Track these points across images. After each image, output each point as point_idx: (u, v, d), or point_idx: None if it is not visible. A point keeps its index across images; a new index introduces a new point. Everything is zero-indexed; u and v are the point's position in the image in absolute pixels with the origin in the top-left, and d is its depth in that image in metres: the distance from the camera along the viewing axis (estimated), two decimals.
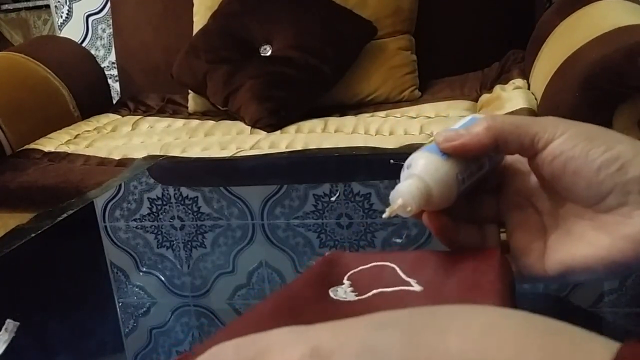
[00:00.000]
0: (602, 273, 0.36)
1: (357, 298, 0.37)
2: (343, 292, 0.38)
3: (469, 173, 0.38)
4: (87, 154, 1.55)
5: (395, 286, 0.38)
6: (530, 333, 0.24)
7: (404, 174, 0.37)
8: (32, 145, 1.61)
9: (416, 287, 0.37)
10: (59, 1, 2.22)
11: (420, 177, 0.36)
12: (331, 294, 0.38)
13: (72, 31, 2.21)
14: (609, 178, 0.34)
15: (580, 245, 0.37)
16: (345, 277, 0.40)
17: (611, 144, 0.34)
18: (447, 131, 0.37)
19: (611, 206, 0.35)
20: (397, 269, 0.40)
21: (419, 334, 0.25)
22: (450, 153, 0.37)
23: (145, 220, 0.71)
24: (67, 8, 2.21)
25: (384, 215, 0.36)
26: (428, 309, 0.27)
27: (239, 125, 1.61)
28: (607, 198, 0.35)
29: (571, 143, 0.35)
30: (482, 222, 0.41)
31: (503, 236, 0.40)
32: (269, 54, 1.67)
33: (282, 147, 1.42)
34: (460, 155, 0.37)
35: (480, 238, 0.41)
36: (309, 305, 0.37)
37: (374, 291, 0.38)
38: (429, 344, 0.24)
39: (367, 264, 0.41)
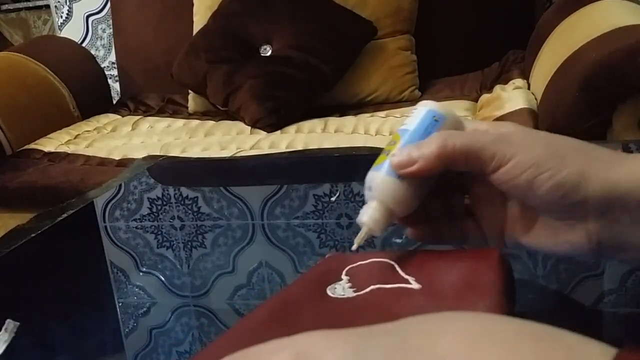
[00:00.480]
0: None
1: (355, 294, 0.37)
2: (341, 288, 0.39)
3: (426, 185, 0.40)
4: (87, 154, 1.55)
5: (393, 283, 0.38)
6: (524, 338, 0.23)
7: (366, 194, 0.40)
8: (32, 145, 1.61)
9: (414, 285, 0.37)
10: (59, 1, 2.22)
11: (381, 200, 0.39)
12: (329, 292, 0.38)
13: (72, 31, 2.21)
14: (554, 202, 0.37)
15: (534, 231, 0.40)
16: (344, 273, 0.40)
17: (557, 169, 0.36)
18: (401, 156, 0.39)
19: (558, 218, 0.38)
20: (396, 266, 0.40)
21: (409, 339, 0.25)
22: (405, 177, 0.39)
23: (145, 220, 0.71)
24: (67, 8, 2.21)
25: (353, 248, 0.40)
26: (419, 318, 0.26)
27: (239, 125, 1.61)
28: (554, 214, 0.38)
29: (517, 171, 0.37)
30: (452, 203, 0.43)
31: (467, 201, 0.43)
32: (269, 54, 1.67)
33: (282, 147, 1.42)
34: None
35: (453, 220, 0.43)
36: (307, 307, 0.37)
37: (372, 287, 0.38)
38: (419, 348, 0.24)
39: (366, 260, 0.41)
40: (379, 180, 0.39)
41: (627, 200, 0.36)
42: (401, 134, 0.40)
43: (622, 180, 0.36)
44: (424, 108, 0.40)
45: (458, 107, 1.53)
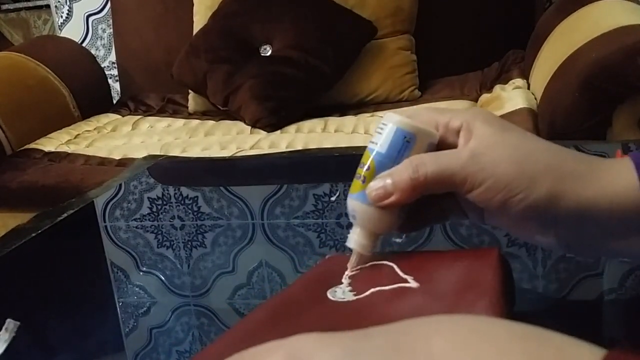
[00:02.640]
0: None
1: (355, 298, 0.37)
2: (342, 292, 0.39)
3: (407, 204, 0.40)
4: (88, 153, 1.55)
5: (392, 284, 0.38)
6: (515, 339, 0.24)
7: (351, 219, 0.42)
8: (32, 145, 1.61)
9: (413, 284, 0.37)
10: (59, 1, 2.22)
11: (364, 227, 0.41)
12: (329, 296, 0.38)
13: (72, 31, 2.21)
14: (526, 222, 0.38)
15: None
16: (344, 277, 0.40)
17: (529, 191, 0.37)
18: (377, 190, 0.39)
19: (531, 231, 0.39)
20: (395, 267, 0.40)
21: (401, 340, 0.25)
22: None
23: (145, 220, 0.71)
24: (67, 8, 2.21)
25: (347, 273, 0.41)
26: (412, 320, 0.27)
27: (239, 125, 1.61)
28: (527, 227, 0.39)
29: (490, 195, 0.37)
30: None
31: None
32: (269, 53, 1.67)
33: (282, 147, 1.42)
34: None
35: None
36: (307, 309, 0.37)
37: (372, 290, 0.38)
38: (412, 348, 0.24)
39: (365, 264, 0.41)
40: (360, 210, 0.41)
41: (598, 216, 0.36)
42: (374, 159, 0.40)
43: (593, 198, 0.36)
44: (394, 126, 0.40)
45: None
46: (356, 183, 0.41)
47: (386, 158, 0.40)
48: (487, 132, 0.39)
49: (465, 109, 0.43)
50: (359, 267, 0.41)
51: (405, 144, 0.40)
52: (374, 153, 0.40)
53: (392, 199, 0.39)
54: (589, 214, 0.36)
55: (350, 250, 0.42)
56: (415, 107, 0.45)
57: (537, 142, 0.39)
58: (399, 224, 0.41)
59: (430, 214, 0.43)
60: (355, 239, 0.41)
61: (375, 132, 0.41)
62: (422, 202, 0.41)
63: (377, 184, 0.39)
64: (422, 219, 0.43)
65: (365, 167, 0.40)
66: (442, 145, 0.40)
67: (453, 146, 0.40)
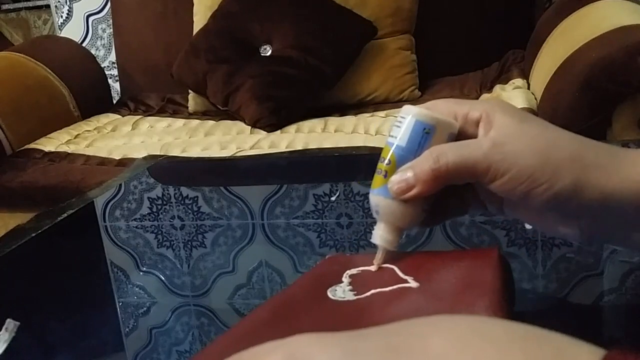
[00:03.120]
0: None
1: (355, 298, 0.37)
2: (342, 291, 0.39)
3: (430, 196, 0.40)
4: (88, 153, 1.55)
5: (393, 284, 0.38)
6: (514, 339, 0.24)
7: (375, 215, 0.42)
8: (32, 145, 1.61)
9: (413, 284, 0.37)
10: (59, 1, 2.22)
11: (388, 222, 0.41)
12: (330, 295, 0.38)
13: (72, 31, 2.21)
14: (549, 213, 0.38)
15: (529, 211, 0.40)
16: (344, 276, 0.40)
17: (553, 182, 0.36)
18: (399, 183, 0.39)
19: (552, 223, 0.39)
20: (396, 268, 0.40)
21: (400, 340, 0.25)
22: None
23: (145, 220, 0.71)
24: (67, 8, 2.21)
25: (372, 268, 0.41)
26: (410, 321, 0.27)
27: (239, 125, 1.61)
28: (550, 217, 0.39)
29: (513, 184, 0.37)
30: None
31: None
32: (269, 53, 1.67)
33: (282, 147, 1.42)
34: None
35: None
36: (307, 308, 0.37)
37: (372, 291, 0.38)
38: (410, 349, 0.24)
39: (366, 266, 0.41)
40: (383, 205, 0.40)
41: (622, 207, 0.36)
42: (395, 152, 0.40)
43: (618, 189, 0.36)
44: (412, 118, 0.40)
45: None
46: (377, 178, 0.41)
47: (406, 151, 0.40)
48: (507, 122, 0.38)
49: (484, 100, 0.42)
50: (359, 266, 0.41)
51: (425, 136, 0.39)
52: (393, 147, 0.40)
53: (414, 191, 0.39)
54: (613, 205, 0.36)
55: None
56: (433, 101, 0.44)
57: (559, 131, 0.38)
58: (423, 218, 0.41)
59: (450, 207, 0.43)
60: (380, 234, 0.41)
61: (393, 125, 0.41)
62: (442, 195, 0.40)
63: (399, 177, 0.39)
64: (442, 213, 0.43)
65: (386, 161, 0.40)
66: (461, 136, 0.40)
67: (473, 137, 0.39)
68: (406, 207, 0.40)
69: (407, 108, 0.41)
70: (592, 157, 0.37)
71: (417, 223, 0.41)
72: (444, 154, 0.38)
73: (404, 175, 0.39)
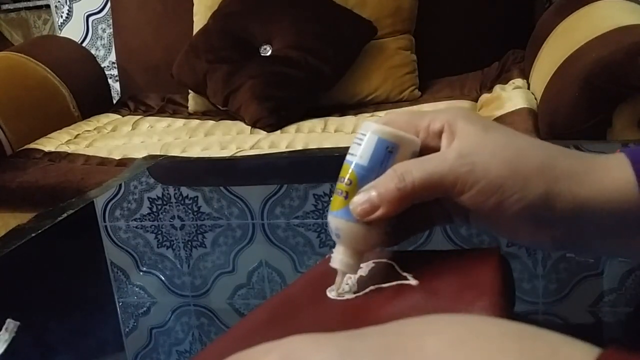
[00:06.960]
0: None
1: (354, 295, 0.37)
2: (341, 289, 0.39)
3: (393, 217, 0.38)
4: (88, 153, 1.55)
5: (391, 281, 0.38)
6: (509, 338, 0.24)
7: (334, 238, 0.39)
8: (32, 145, 1.61)
9: (412, 282, 0.37)
10: (59, 1, 2.22)
11: (350, 245, 0.38)
12: (329, 294, 0.38)
13: (72, 31, 2.21)
14: (520, 224, 0.36)
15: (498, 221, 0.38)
16: (331, 294, 0.40)
17: (523, 192, 0.35)
18: (362, 204, 0.37)
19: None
20: (395, 265, 0.40)
21: (395, 339, 0.25)
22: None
23: (145, 220, 0.71)
24: (67, 8, 2.21)
25: (332, 295, 0.38)
26: (406, 320, 0.26)
27: (239, 125, 1.61)
28: (522, 228, 0.37)
29: (483, 197, 0.35)
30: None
31: None
32: (269, 53, 1.67)
33: (282, 147, 1.42)
34: None
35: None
36: (306, 308, 0.37)
37: (371, 287, 0.38)
38: (405, 348, 0.24)
39: (365, 265, 0.41)
40: (345, 228, 0.38)
41: (594, 214, 0.35)
42: (355, 171, 0.37)
43: (591, 196, 0.35)
44: (374, 135, 0.37)
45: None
46: (337, 199, 0.38)
47: (368, 170, 0.37)
48: (471, 131, 0.36)
49: (444, 109, 0.40)
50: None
51: (387, 155, 0.37)
52: (353, 165, 0.38)
53: (379, 212, 0.36)
54: (585, 213, 0.35)
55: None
56: (391, 112, 0.41)
57: (525, 139, 0.37)
58: (385, 238, 0.39)
59: (415, 222, 0.41)
60: (340, 258, 0.38)
61: (354, 143, 0.38)
62: (406, 212, 0.38)
63: (362, 198, 0.37)
64: (406, 230, 0.41)
65: (346, 180, 0.38)
66: (424, 150, 0.38)
67: (436, 150, 0.38)
68: (369, 230, 0.37)
69: (367, 124, 0.38)
70: (563, 165, 0.35)
71: (378, 244, 0.39)
72: (408, 172, 0.36)
73: (368, 195, 0.37)
